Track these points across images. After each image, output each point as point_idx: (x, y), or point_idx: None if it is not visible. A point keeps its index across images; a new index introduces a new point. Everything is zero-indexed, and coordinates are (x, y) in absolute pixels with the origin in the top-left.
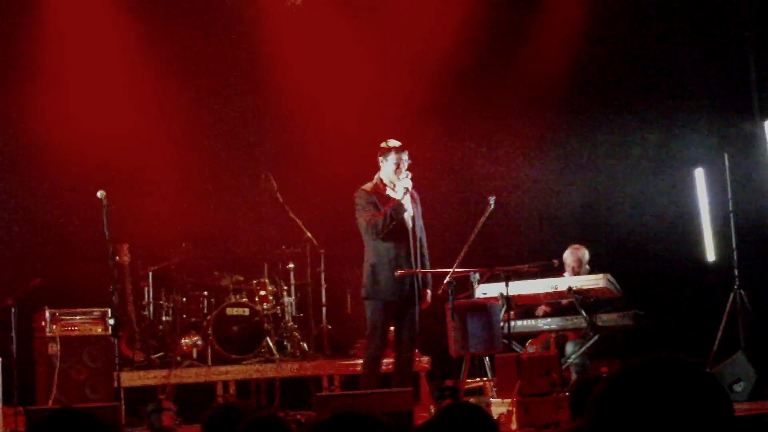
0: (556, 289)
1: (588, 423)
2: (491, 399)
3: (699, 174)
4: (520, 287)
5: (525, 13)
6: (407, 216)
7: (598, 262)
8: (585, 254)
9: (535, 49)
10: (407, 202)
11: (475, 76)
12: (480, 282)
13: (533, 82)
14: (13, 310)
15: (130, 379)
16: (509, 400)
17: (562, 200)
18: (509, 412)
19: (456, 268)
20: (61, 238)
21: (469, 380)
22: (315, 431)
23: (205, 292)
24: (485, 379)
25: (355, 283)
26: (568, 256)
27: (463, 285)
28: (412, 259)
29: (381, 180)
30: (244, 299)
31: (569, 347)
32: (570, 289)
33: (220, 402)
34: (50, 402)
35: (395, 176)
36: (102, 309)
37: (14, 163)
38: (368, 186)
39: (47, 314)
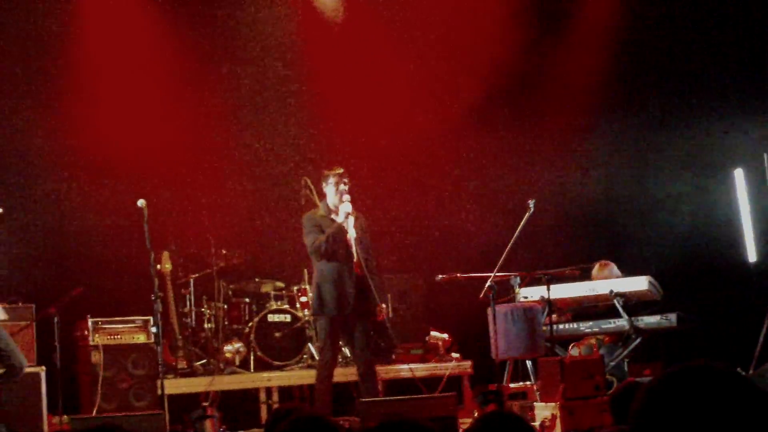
0: (597, 291)
1: (631, 430)
2: (535, 403)
3: (738, 174)
4: (561, 290)
5: (559, 16)
6: (350, 237)
7: (639, 264)
8: (613, 270)
9: (569, 51)
10: (350, 224)
11: (511, 80)
12: (521, 285)
13: (570, 84)
14: (55, 318)
15: (173, 386)
16: (553, 404)
17: (602, 202)
18: (553, 416)
19: (497, 272)
20: (103, 246)
21: (513, 384)
22: None
23: (247, 299)
24: (528, 383)
25: (394, 288)
26: (597, 273)
27: (505, 289)
28: (355, 278)
29: (327, 205)
30: (286, 306)
31: (605, 352)
32: (611, 291)
33: (283, 405)
34: (95, 411)
35: (338, 201)
36: (144, 317)
37: (55, 173)
38: (314, 211)
39: (89, 323)
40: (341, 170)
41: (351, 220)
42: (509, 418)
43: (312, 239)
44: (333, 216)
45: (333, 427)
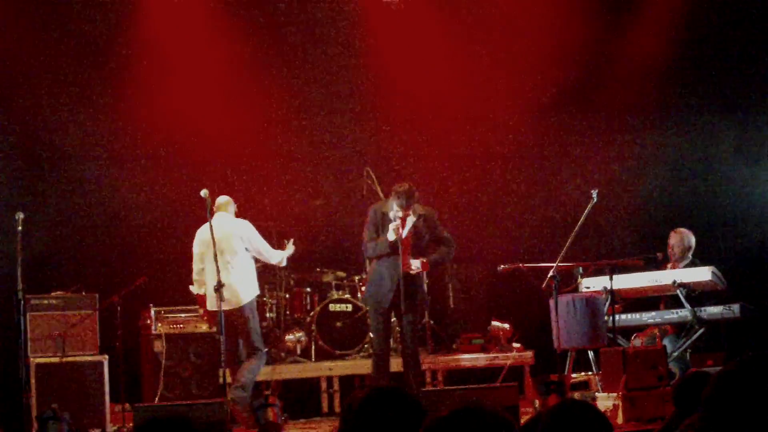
0: (661, 282)
1: (701, 418)
2: (597, 393)
3: None
4: (624, 281)
5: (625, 7)
6: (402, 232)
7: (702, 253)
8: (691, 239)
9: (636, 42)
10: (409, 224)
11: (576, 70)
12: (584, 276)
13: (636, 75)
14: (118, 307)
15: None
16: (615, 395)
17: (665, 192)
18: (615, 407)
19: (559, 262)
20: (166, 236)
21: (574, 374)
22: (440, 424)
23: (308, 289)
24: (590, 373)
25: (457, 278)
26: (675, 239)
27: (567, 279)
28: (397, 276)
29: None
30: (347, 295)
31: (668, 342)
32: (675, 282)
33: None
34: (156, 399)
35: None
36: None
37: (121, 164)
38: (381, 205)
39: (152, 312)
40: (402, 188)
41: (410, 219)
42: (583, 407)
43: (366, 237)
44: (391, 218)
45: (408, 397)
